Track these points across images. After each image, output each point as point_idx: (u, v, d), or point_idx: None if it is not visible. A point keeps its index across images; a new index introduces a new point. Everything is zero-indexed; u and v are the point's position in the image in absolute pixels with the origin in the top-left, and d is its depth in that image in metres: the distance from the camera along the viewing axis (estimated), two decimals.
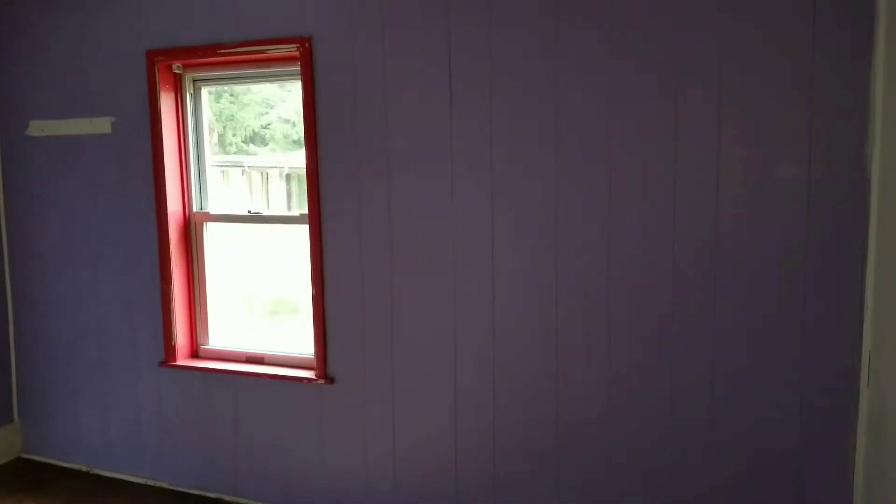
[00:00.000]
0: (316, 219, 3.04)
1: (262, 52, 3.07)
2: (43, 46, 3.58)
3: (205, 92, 3.48)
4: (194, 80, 3.44)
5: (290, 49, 3.02)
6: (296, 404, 3.17)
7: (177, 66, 3.35)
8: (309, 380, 3.10)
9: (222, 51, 3.13)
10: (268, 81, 3.37)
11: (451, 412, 2.89)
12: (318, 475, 3.14)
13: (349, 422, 3.07)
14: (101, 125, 3.46)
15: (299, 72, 3.06)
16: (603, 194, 2.59)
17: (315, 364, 3.12)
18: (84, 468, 3.72)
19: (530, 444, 2.78)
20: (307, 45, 2.97)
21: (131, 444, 3.57)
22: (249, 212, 3.41)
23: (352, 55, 2.92)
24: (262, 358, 3.33)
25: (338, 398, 3.08)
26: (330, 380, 3.07)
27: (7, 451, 3.84)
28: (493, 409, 2.82)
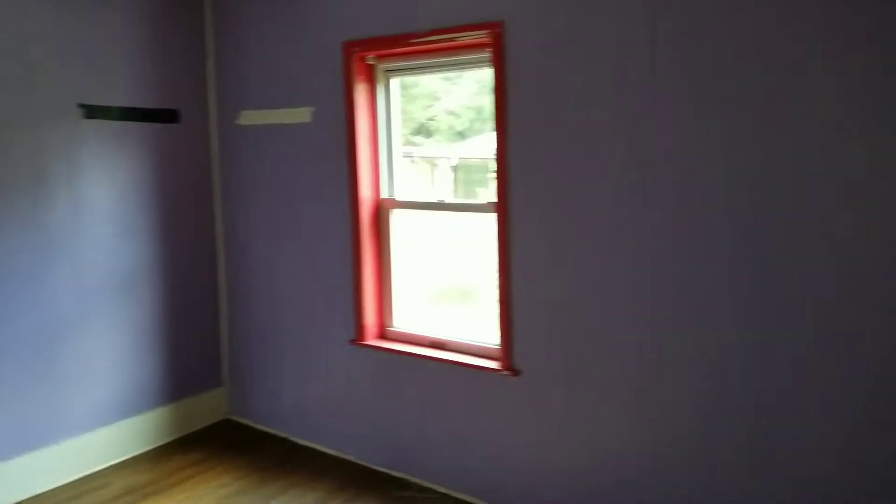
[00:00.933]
0: (503, 207, 3.00)
1: (452, 39, 3.07)
2: (255, 40, 3.86)
3: (394, 82, 3.56)
4: (385, 71, 3.53)
5: (480, 35, 2.98)
6: (478, 393, 3.17)
7: (370, 57, 3.45)
8: (493, 370, 3.09)
9: (414, 40, 3.16)
10: (456, 69, 3.37)
11: (640, 411, 2.73)
12: (500, 466, 3.14)
13: (533, 415, 3.02)
14: (303, 115, 3.66)
15: (489, 58, 3.02)
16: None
17: (499, 354, 3.10)
18: (283, 434, 4.02)
19: (725, 453, 2.56)
20: (498, 30, 2.91)
21: (323, 416, 3.80)
22: (438, 200, 3.45)
23: (544, 40, 2.82)
24: (445, 344, 3.37)
25: (522, 391, 3.03)
26: (514, 371, 3.03)
27: (216, 412, 4.26)
28: (688, 408, 2.63)
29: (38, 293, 3.34)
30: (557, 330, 2.91)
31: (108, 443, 3.68)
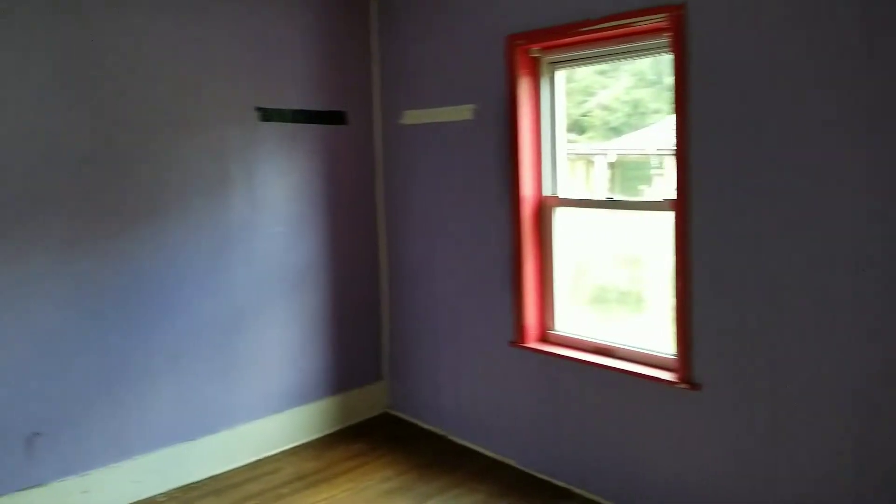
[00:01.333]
0: (683, 204, 2.76)
1: (628, 25, 2.87)
2: (418, 39, 3.88)
3: (559, 75, 3.42)
4: (550, 63, 3.39)
5: (659, 19, 2.76)
6: (650, 406, 2.96)
7: (535, 50, 3.33)
8: (668, 382, 2.87)
9: (585, 28, 3.00)
10: (628, 58, 3.16)
11: (862, 436, 2.40)
12: (672, 489, 2.91)
13: (716, 436, 2.75)
14: (464, 112, 3.62)
15: (667, 43, 2.79)
16: None
17: (675, 365, 2.87)
18: (441, 432, 4.03)
19: None
20: (680, 12, 2.68)
21: (481, 416, 3.75)
22: (606, 198, 3.27)
23: (733, 21, 2.55)
24: (612, 350, 3.19)
25: (703, 407, 2.78)
26: (694, 385, 2.79)
27: (376, 406, 4.35)
28: None
29: (219, 287, 3.56)
30: (752, 340, 2.61)
31: (278, 430, 3.86)
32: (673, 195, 2.80)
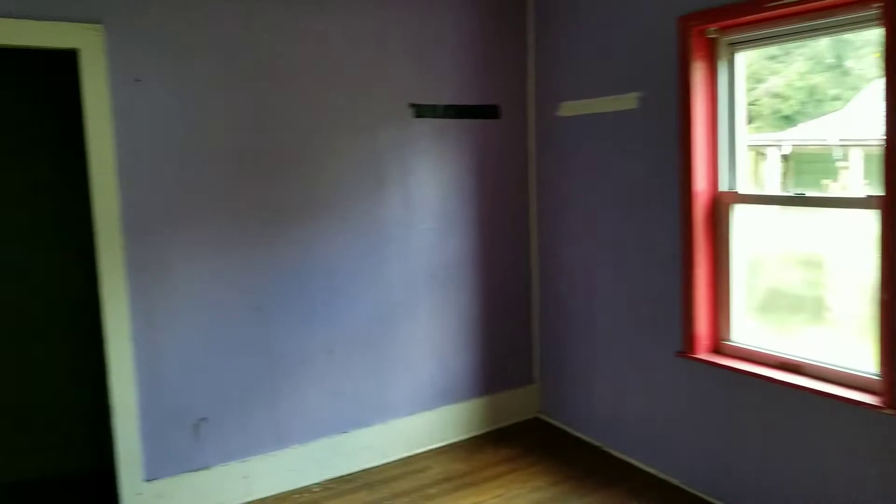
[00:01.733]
0: (893, 203, 2.37)
1: None
2: (578, 26, 3.67)
3: (739, 57, 3.08)
4: (729, 44, 3.06)
5: None
6: (846, 433, 2.58)
7: (712, 30, 3.02)
8: (871, 406, 2.47)
9: (777, 2, 2.66)
10: (824, 34, 2.76)
11: None
12: None
13: None
14: (627, 101, 3.37)
15: (877, 16, 2.40)
16: None
17: (880, 388, 2.47)
18: (596, 443, 3.81)
19: None
20: None
21: (643, 430, 3.49)
22: (796, 193, 2.88)
23: None
24: (800, 367, 2.82)
25: None
26: None
27: (526, 410, 4.20)
28: None
29: (372, 283, 3.57)
30: None
31: (428, 428, 3.82)
32: (878, 191, 2.41)
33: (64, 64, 3.27)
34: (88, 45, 2.79)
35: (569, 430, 3.99)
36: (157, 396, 3.03)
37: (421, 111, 3.66)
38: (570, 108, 3.75)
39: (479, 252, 3.94)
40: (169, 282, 3.02)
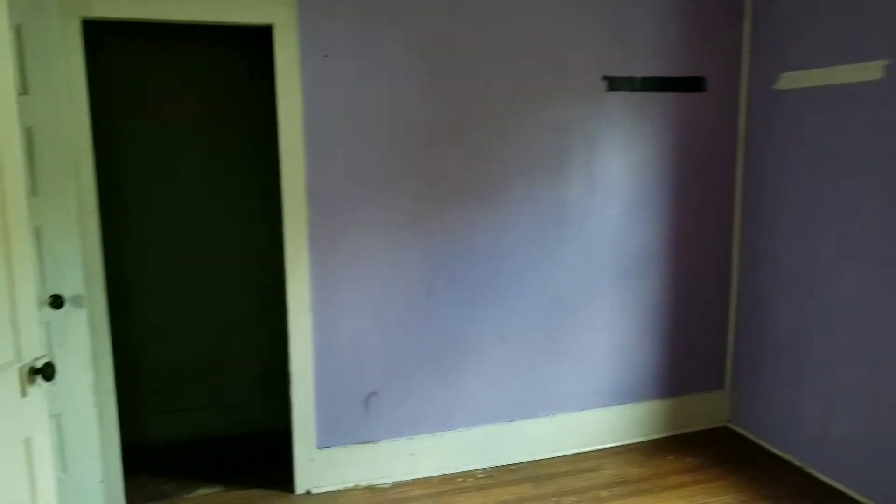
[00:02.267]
0: None
1: None
2: None
3: None
4: None
5: None
6: None
7: None
8: None
9: None
10: None
11: None
12: None
13: None
14: (870, 71, 2.82)
15: None
16: None
17: None
18: (797, 462, 3.34)
19: None
20: None
21: (860, 454, 2.99)
22: None
23: None
24: None
25: None
26: None
27: (715, 418, 3.79)
28: None
29: (550, 269, 3.37)
30: None
31: (601, 425, 3.57)
32: None
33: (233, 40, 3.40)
34: (282, 20, 2.84)
35: (764, 444, 3.54)
36: (331, 367, 3.09)
37: (615, 84, 3.35)
38: (791, 80, 3.24)
39: (672, 241, 3.57)
40: (347, 255, 3.05)
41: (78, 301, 2.64)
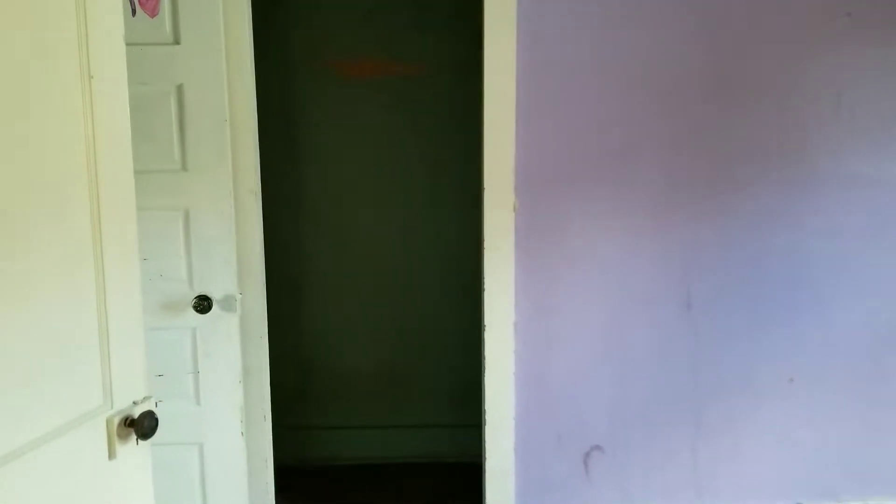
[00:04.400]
0: None
1: None
2: None
3: None
4: None
5: None
6: None
7: None
8: None
9: None
10: None
11: None
12: None
13: None
14: None
15: None
16: None
17: None
18: None
19: None
20: None
21: None
22: None
23: None
24: None
25: None
26: None
27: None
28: None
29: (879, 286, 2.30)
30: None
31: None
32: None
33: None
34: None
35: None
36: (539, 408, 2.31)
37: None
38: None
39: None
40: (567, 257, 2.25)
41: (229, 304, 2.09)
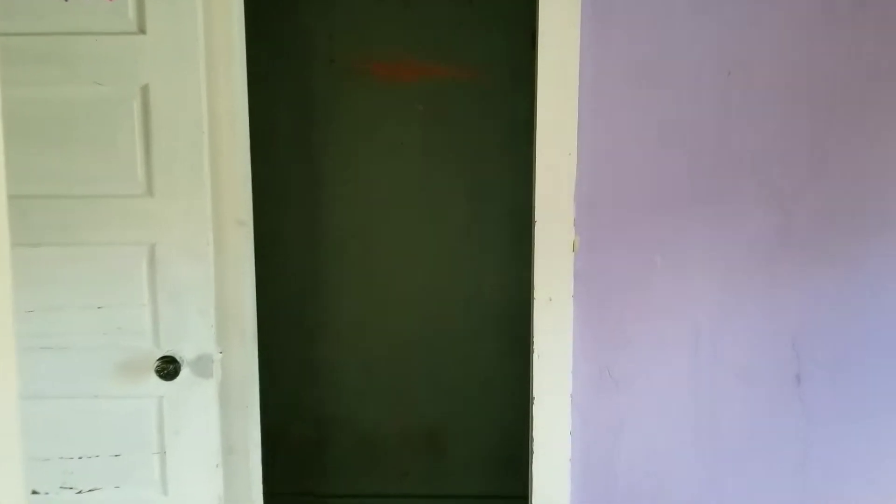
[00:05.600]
0: None
1: None
2: None
3: None
4: None
5: None
6: None
7: None
8: None
9: None
10: None
11: None
12: None
13: None
14: None
15: None
16: None
17: None
18: None
19: None
20: None
21: None
22: None
23: None
24: None
25: None
26: None
27: None
28: None
29: None
30: None
31: None
32: None
33: None
34: None
35: None
36: (600, 501, 1.78)
37: None
38: None
39: None
40: (643, 314, 1.72)
41: (204, 366, 1.63)
